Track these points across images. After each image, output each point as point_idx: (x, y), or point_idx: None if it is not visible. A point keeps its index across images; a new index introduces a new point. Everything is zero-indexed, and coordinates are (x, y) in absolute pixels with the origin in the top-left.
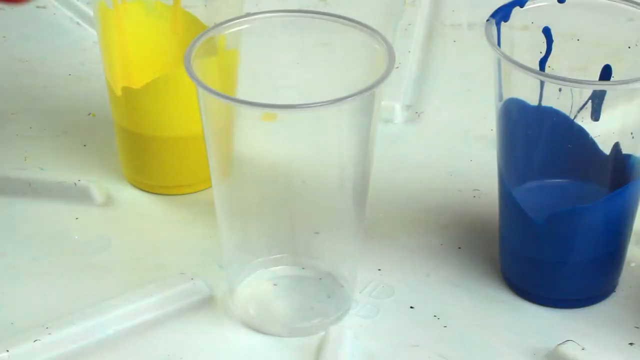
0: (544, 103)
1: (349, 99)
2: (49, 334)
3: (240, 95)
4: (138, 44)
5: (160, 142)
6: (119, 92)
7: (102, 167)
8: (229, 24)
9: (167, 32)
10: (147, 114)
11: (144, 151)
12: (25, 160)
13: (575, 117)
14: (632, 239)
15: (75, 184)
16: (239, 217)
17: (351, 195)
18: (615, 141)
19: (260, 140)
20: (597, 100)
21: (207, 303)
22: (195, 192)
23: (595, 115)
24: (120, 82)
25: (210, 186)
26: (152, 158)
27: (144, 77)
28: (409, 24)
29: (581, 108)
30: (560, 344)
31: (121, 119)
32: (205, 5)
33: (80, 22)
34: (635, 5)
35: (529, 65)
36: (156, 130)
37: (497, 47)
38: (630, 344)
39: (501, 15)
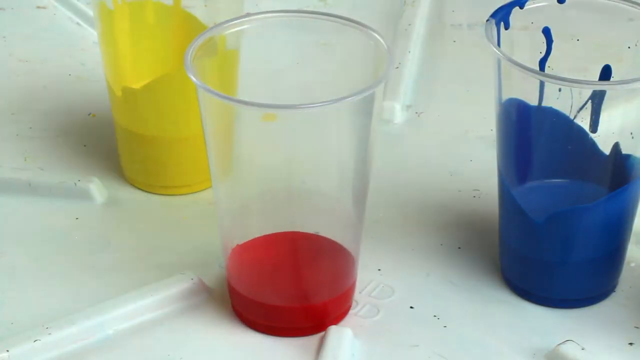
0: (544, 103)
1: (349, 99)
2: (49, 334)
3: (240, 95)
4: (138, 44)
5: (160, 142)
6: (119, 92)
7: (102, 167)
8: (229, 24)
9: (167, 32)
10: (147, 114)
11: (144, 151)
12: (25, 160)
13: (575, 117)
14: (632, 239)
15: (75, 184)
16: (239, 217)
17: (351, 195)
18: (615, 141)
19: (260, 140)
20: (596, 100)
21: (207, 303)
22: (195, 192)
23: (594, 122)
24: (120, 82)
25: (210, 186)
26: (152, 158)
27: (144, 77)
28: (409, 24)
29: (581, 108)
30: (560, 344)
31: (121, 119)
32: (205, 5)
33: (80, 22)
34: (635, 5)
35: (529, 65)
36: (156, 130)
37: (497, 47)
38: (630, 344)
39: (501, 15)
